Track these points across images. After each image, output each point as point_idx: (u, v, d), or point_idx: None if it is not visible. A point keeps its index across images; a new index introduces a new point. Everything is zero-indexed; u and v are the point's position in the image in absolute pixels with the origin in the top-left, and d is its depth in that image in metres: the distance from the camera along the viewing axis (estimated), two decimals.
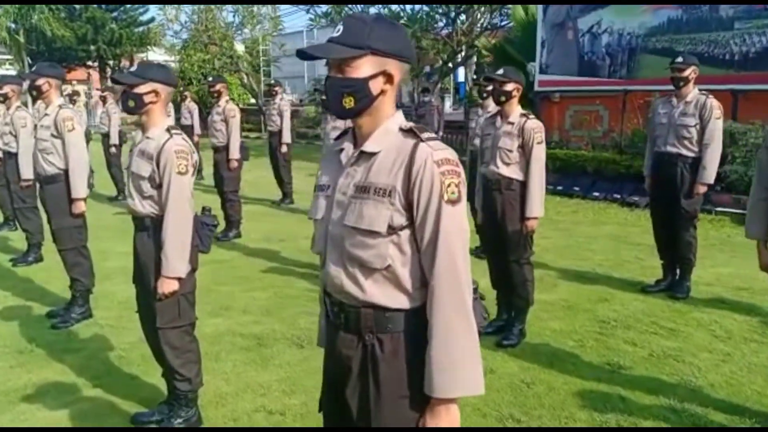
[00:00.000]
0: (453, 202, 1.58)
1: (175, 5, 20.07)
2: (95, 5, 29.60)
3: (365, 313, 1.66)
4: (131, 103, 3.05)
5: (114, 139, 10.45)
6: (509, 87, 4.16)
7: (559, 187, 10.11)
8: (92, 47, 29.64)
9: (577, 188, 10.20)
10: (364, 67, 1.61)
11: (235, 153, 7.43)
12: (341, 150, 1.74)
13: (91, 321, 4.86)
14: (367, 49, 1.59)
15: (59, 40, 28.28)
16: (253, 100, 22.21)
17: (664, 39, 9.85)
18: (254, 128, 20.92)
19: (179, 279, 3.06)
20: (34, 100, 5.12)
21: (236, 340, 4.46)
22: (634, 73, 10.33)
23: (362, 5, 15.84)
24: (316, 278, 5.93)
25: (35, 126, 4.82)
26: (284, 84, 16.70)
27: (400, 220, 1.59)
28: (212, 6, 19.90)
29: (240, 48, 22.14)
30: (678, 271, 5.32)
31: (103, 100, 11.60)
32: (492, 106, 6.49)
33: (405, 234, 1.61)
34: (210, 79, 7.47)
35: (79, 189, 4.58)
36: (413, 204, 1.58)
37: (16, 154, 6.35)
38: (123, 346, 4.39)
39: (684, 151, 5.04)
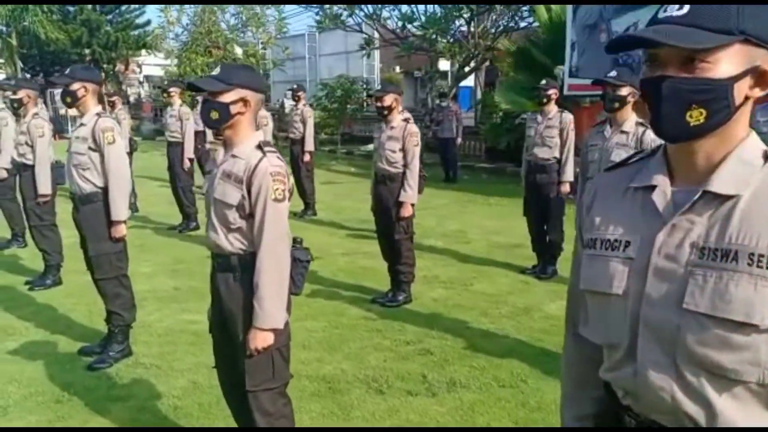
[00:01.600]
0: None
1: (178, 7, 19.43)
2: (90, 6, 28.86)
3: None
4: (214, 115, 2.49)
5: (125, 146, 9.81)
6: (624, 91, 3.65)
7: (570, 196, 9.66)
8: (87, 50, 28.88)
9: None
10: (726, 64, 1.06)
11: None
12: (649, 187, 1.17)
13: (132, 360, 4.26)
14: (740, 35, 1.05)
15: (53, 43, 27.54)
16: None
17: None
18: None
19: (275, 330, 2.49)
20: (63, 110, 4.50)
21: (304, 385, 3.87)
22: None
23: (374, 5, 15.29)
24: (368, 303, 5.38)
25: (69, 138, 4.22)
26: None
27: None
28: (215, 8, 19.28)
29: (239, 51, 21.56)
30: None
31: (112, 105, 10.97)
32: (553, 112, 6.02)
33: None
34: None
35: (120, 210, 4.00)
36: None
37: (32, 167, 5.74)
38: (175, 392, 3.80)
39: None
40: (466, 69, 15.04)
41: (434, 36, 13.84)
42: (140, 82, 31.78)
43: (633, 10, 10.25)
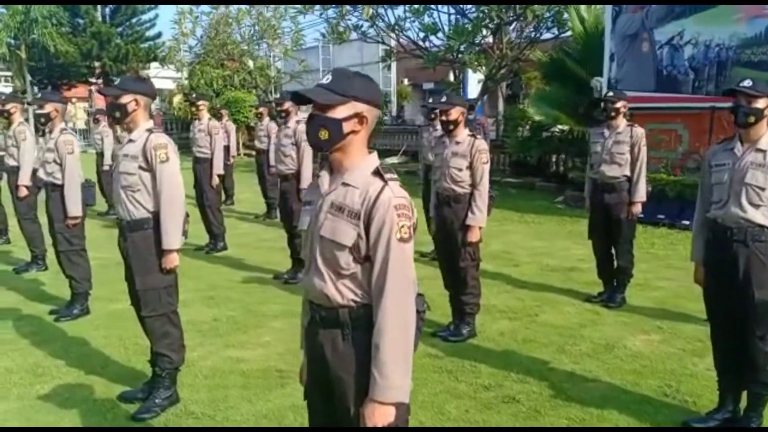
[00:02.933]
0: None
1: (192, 18, 19.04)
2: (100, 18, 28.60)
3: None
4: (324, 134, 2.01)
5: (108, 159, 9.81)
6: (761, 103, 3.15)
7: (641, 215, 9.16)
8: (97, 63, 28.57)
9: (661, 216, 9.27)
10: None
11: (306, 183, 6.38)
12: None
13: (180, 408, 3.76)
14: None
15: (63, 56, 27.21)
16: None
17: (761, 51, 8.89)
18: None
19: (398, 405, 2.00)
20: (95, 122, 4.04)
21: None
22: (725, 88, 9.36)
23: (391, 6, 14.84)
24: (429, 337, 4.89)
25: (114, 156, 3.75)
26: None
27: None
28: (229, 20, 18.90)
29: (251, 64, 21.18)
30: None
31: (96, 121, 10.85)
32: (622, 126, 5.56)
33: None
34: (277, 97, 6.43)
35: (173, 237, 3.53)
36: None
37: (61, 186, 5.27)
38: None
39: None
40: (489, 82, 14.57)
41: (461, 47, 13.39)
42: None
43: (677, 19, 9.82)
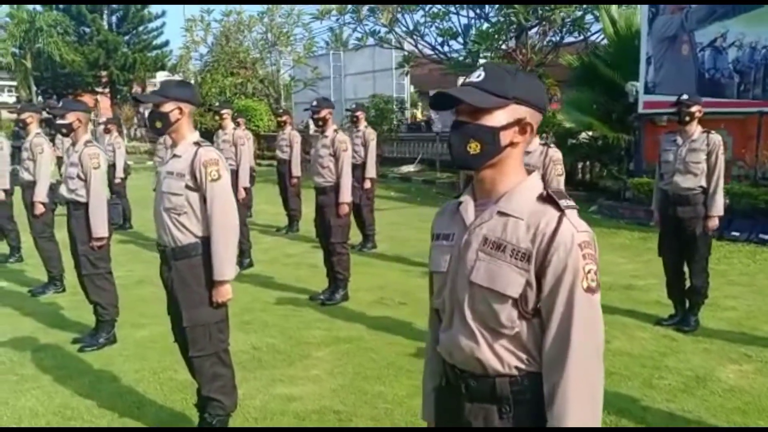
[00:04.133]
0: None
1: (204, 26, 18.62)
2: (106, 27, 28.24)
3: None
4: (474, 147, 1.55)
5: (120, 171, 9.19)
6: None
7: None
8: (104, 72, 28.20)
9: None
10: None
11: (346, 196, 5.93)
12: None
13: None
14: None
15: (69, 65, 26.87)
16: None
17: None
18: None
19: None
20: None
21: None
22: None
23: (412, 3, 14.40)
24: None
25: (157, 172, 3.28)
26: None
27: None
28: (241, 26, 18.49)
29: (261, 72, 20.79)
30: None
31: (108, 131, 10.45)
32: (698, 133, 5.10)
33: None
34: (314, 104, 5.96)
35: (226, 266, 3.07)
36: None
37: (85, 204, 4.81)
38: None
39: None
40: None
41: (486, 52, 12.93)
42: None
43: (720, 20, 9.36)
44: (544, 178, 4.22)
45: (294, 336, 5.15)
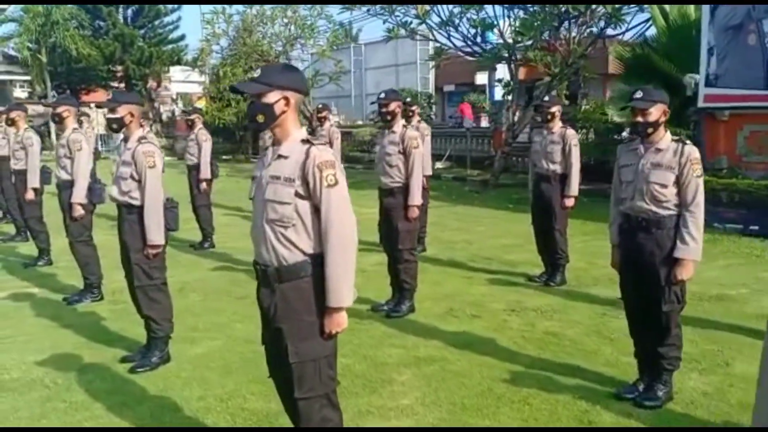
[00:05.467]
0: None
1: (225, 17, 18.04)
2: (122, 20, 27.73)
3: None
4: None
5: (205, 173, 8.41)
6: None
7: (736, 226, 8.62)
8: (119, 67, 27.69)
9: (755, 227, 8.45)
10: None
11: (417, 198, 5.37)
12: None
13: None
14: None
15: (85, 59, 26.35)
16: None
17: None
18: None
19: None
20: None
21: None
22: None
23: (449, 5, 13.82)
24: (595, 396, 3.85)
25: (254, 177, 2.72)
26: (330, 104, 14.81)
27: None
28: (264, 19, 17.90)
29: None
30: None
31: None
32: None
33: None
34: (381, 95, 5.39)
35: (344, 290, 2.52)
36: None
37: (139, 207, 4.28)
38: None
39: None
40: (554, 81, 13.49)
41: (529, 43, 12.34)
42: (173, 99, 30.47)
43: None
44: (681, 180, 3.62)
45: (368, 355, 4.59)
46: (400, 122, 5.43)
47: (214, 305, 5.93)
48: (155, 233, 4.21)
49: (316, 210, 2.50)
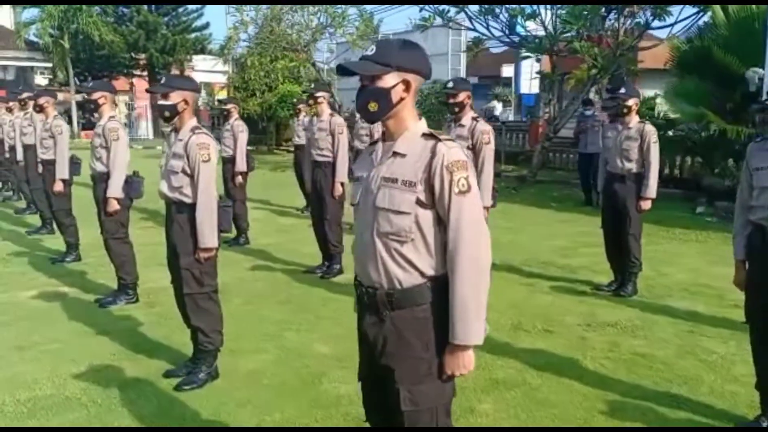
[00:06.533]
0: None
1: (254, 7, 17.53)
2: (146, 7, 27.29)
3: None
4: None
5: (241, 165, 7.94)
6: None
7: None
8: (143, 54, 27.29)
9: None
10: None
11: (487, 199, 4.84)
12: None
13: None
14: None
15: (108, 45, 25.97)
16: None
17: None
18: None
19: None
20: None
21: None
22: None
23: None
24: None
25: (358, 177, 2.21)
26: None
27: None
28: (294, 7, 17.36)
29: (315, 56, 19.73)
30: None
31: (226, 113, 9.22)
32: None
33: None
34: (450, 85, 4.87)
35: (473, 324, 2.04)
36: None
37: (190, 206, 3.80)
38: None
39: None
40: (600, 73, 12.87)
41: (577, 34, 11.76)
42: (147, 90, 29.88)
43: None
44: None
45: None
46: (470, 114, 4.92)
47: (258, 311, 5.47)
48: (209, 235, 3.74)
49: (440, 222, 2.00)
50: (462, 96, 4.82)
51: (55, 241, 7.89)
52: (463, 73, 21.25)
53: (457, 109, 4.87)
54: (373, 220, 2.05)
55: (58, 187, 6.81)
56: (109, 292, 5.75)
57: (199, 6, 29.58)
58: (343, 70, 2.08)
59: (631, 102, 5.70)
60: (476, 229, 1.98)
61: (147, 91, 3.80)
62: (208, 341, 3.96)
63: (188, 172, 3.74)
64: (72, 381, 4.05)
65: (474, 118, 4.90)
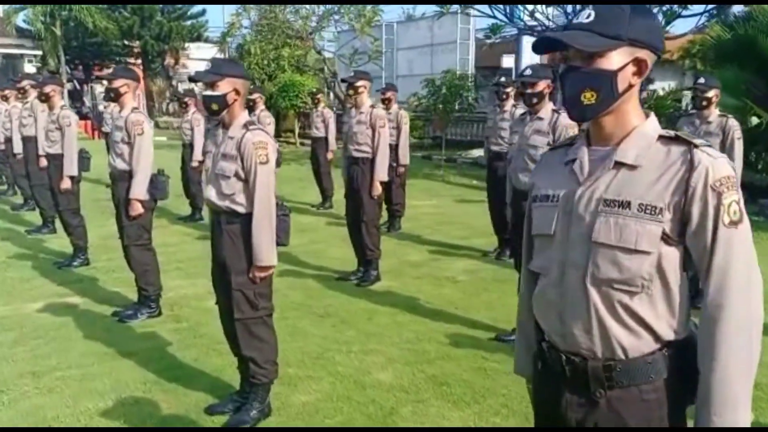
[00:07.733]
0: None
1: None
2: None
3: None
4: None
5: (198, 154, 7.57)
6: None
7: None
8: (136, 42, 26.42)
9: None
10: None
11: None
12: None
13: None
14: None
15: (102, 32, 25.08)
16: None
17: None
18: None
19: None
20: None
21: None
22: None
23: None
24: None
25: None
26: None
27: None
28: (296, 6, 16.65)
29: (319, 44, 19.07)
30: None
31: (184, 105, 8.96)
32: None
33: None
34: (527, 72, 4.26)
35: (741, 410, 1.40)
36: None
37: (244, 216, 3.18)
38: None
39: None
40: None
41: None
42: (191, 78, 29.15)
43: None
44: None
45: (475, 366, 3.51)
46: (549, 106, 4.32)
47: (297, 326, 4.88)
48: (267, 252, 3.13)
49: (683, 263, 1.40)
50: (542, 85, 4.22)
51: (59, 242, 7.26)
52: (471, 62, 20.65)
53: (535, 100, 4.27)
54: (586, 260, 1.44)
55: (66, 184, 6.17)
56: (127, 302, 5.15)
57: None
58: (549, 44, 1.47)
59: (711, 94, 5.13)
60: (749, 277, 1.38)
61: (190, 79, 3.14)
62: (261, 374, 3.36)
63: (242, 176, 3.12)
64: (98, 419, 3.45)
65: (555, 110, 4.30)
